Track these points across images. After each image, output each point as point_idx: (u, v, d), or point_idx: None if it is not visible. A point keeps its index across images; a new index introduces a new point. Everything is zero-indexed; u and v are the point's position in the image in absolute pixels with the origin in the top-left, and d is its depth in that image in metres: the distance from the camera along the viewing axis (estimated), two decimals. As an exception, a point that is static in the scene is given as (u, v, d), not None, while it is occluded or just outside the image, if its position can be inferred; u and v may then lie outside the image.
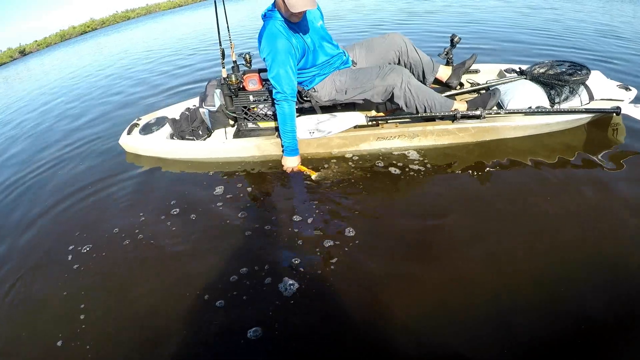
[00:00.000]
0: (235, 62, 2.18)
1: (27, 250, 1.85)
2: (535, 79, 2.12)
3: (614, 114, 1.97)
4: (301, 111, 2.19)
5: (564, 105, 2.03)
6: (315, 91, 2.13)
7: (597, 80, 2.09)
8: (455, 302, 1.25)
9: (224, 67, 2.15)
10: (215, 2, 2.11)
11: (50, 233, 1.94)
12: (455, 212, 1.63)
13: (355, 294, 1.32)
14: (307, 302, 1.32)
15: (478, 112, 1.96)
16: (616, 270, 1.29)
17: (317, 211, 1.74)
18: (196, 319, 1.32)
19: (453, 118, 2.01)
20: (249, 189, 1.99)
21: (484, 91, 2.28)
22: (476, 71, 2.51)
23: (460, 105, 2.03)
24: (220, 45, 2.13)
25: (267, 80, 2.02)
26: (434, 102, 1.99)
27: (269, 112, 2.23)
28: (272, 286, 1.39)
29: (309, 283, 1.38)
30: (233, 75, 2.07)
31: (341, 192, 1.85)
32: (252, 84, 2.16)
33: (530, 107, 1.98)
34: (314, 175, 1.99)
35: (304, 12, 1.85)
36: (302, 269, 1.44)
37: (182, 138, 2.34)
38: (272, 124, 2.26)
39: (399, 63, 2.20)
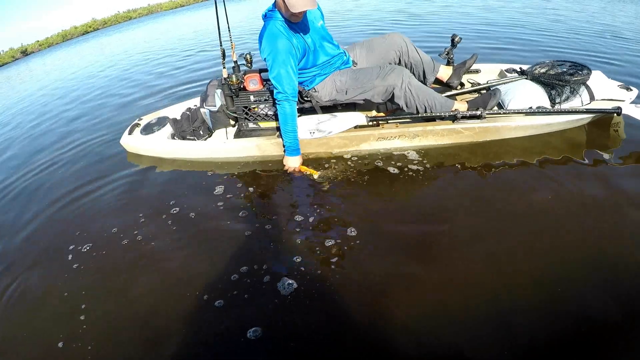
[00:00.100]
0: (236, 62, 2.18)
1: (26, 249, 1.86)
2: (536, 79, 2.12)
3: (615, 114, 1.97)
4: (302, 111, 2.19)
5: (565, 106, 2.03)
6: (315, 91, 2.13)
7: (598, 81, 2.09)
8: (455, 302, 1.24)
9: (224, 67, 2.15)
10: (215, 2, 2.12)
11: (49, 232, 1.95)
12: (455, 212, 1.63)
13: (356, 294, 1.32)
14: (308, 301, 1.32)
15: (478, 112, 1.96)
16: (616, 270, 1.28)
17: (317, 211, 1.74)
18: (196, 318, 1.32)
19: (454, 118, 2.01)
20: (250, 189, 1.99)
21: (484, 91, 2.28)
22: (477, 71, 2.51)
23: (460, 105, 2.03)
24: (221, 45, 2.13)
25: (268, 80, 2.02)
26: (434, 102, 1.99)
27: (270, 112, 2.23)
28: (272, 286, 1.39)
29: (310, 283, 1.38)
30: (234, 76, 2.08)
31: (341, 192, 1.85)
32: (252, 84, 2.17)
33: (531, 107, 1.98)
34: (316, 175, 1.98)
35: (305, 12, 1.85)
36: (302, 269, 1.44)
37: (183, 138, 2.34)
38: (273, 124, 2.26)
39: (399, 63, 2.20)
